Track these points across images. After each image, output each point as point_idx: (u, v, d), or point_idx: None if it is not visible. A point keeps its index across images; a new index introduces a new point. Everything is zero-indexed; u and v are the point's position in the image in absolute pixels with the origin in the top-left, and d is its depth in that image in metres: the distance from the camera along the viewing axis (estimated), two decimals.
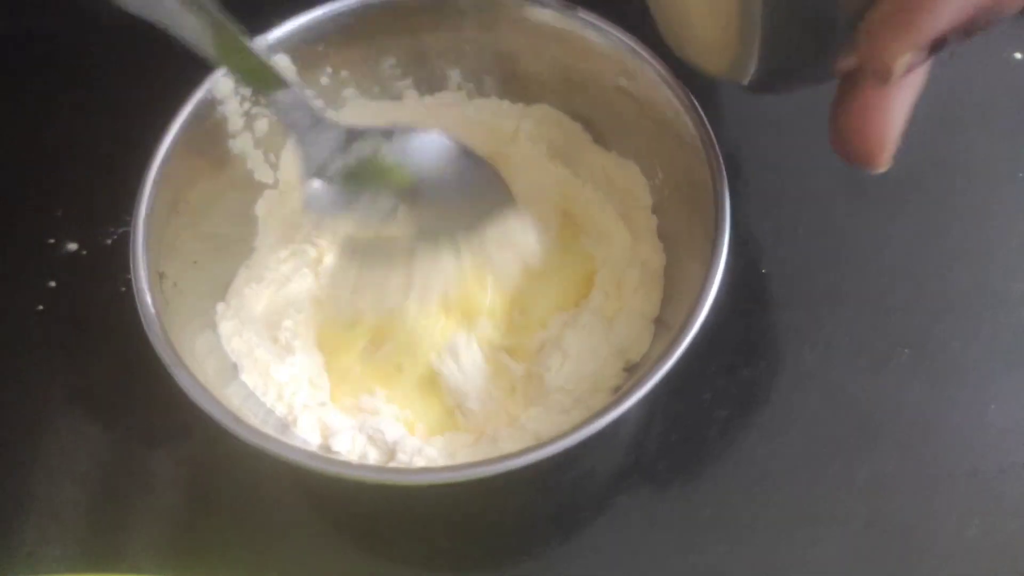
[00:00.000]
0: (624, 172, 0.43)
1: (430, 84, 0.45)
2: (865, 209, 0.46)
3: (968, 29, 0.25)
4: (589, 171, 0.44)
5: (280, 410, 0.38)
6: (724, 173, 0.35)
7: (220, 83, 0.39)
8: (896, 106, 0.28)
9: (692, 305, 0.33)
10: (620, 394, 0.32)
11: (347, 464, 0.34)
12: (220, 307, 0.40)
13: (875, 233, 0.45)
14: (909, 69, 0.26)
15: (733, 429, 0.41)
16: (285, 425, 0.37)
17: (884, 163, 0.29)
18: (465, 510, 0.39)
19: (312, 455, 0.33)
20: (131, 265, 0.34)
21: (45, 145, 0.48)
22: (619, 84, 0.41)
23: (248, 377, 0.38)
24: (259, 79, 0.36)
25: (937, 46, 0.26)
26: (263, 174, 0.43)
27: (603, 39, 0.40)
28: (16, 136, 0.48)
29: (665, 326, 0.38)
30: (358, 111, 0.44)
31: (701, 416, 0.41)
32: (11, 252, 0.45)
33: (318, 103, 0.39)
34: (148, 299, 0.34)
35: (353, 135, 0.38)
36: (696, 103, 0.37)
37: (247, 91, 0.40)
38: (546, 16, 0.40)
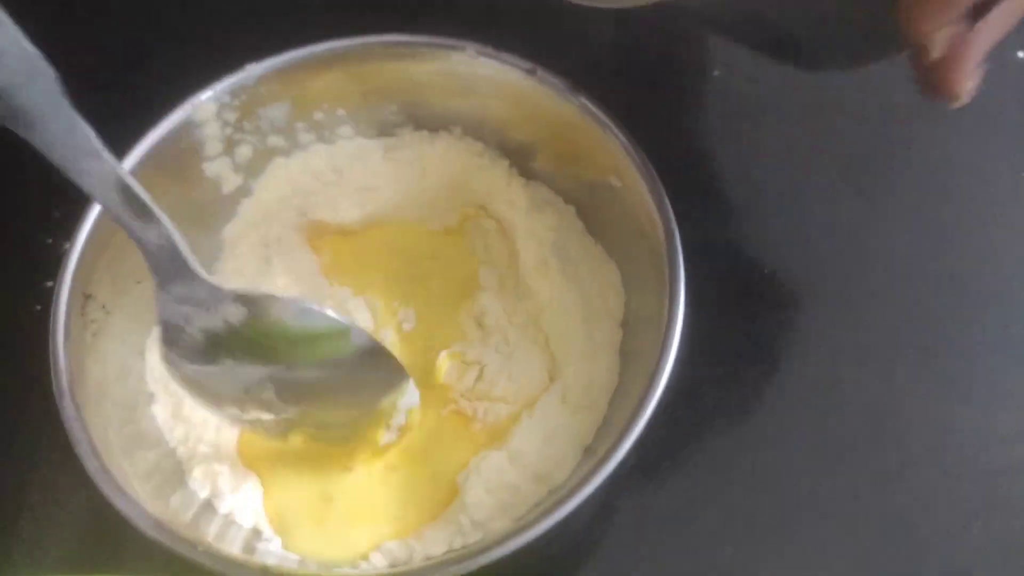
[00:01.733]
0: (605, 275, 0.41)
1: (431, 126, 0.44)
2: (869, 209, 0.46)
3: None
4: (574, 265, 0.42)
5: (181, 452, 0.37)
6: (679, 312, 0.34)
7: (201, 107, 0.39)
8: (974, 54, 0.30)
9: (620, 434, 0.33)
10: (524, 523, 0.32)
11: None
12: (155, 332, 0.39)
13: (879, 233, 0.45)
14: (950, 39, 0.28)
15: (736, 431, 0.41)
16: (180, 472, 0.37)
17: (964, 100, 0.32)
18: None
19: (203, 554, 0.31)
20: (55, 287, 0.35)
21: None
22: (611, 183, 0.39)
23: (159, 411, 0.38)
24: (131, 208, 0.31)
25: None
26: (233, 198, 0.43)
27: (602, 133, 0.38)
28: (14, 136, 0.49)
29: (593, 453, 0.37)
30: (353, 150, 0.44)
31: (704, 418, 0.41)
32: (9, 252, 0.46)
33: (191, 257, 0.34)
34: (61, 326, 0.34)
35: (220, 296, 0.33)
36: (675, 227, 0.36)
37: (230, 116, 0.40)
38: (543, 94, 0.39)
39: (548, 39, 0.42)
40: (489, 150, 0.43)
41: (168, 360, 0.35)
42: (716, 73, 0.50)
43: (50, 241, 0.45)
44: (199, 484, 0.37)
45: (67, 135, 0.29)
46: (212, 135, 0.40)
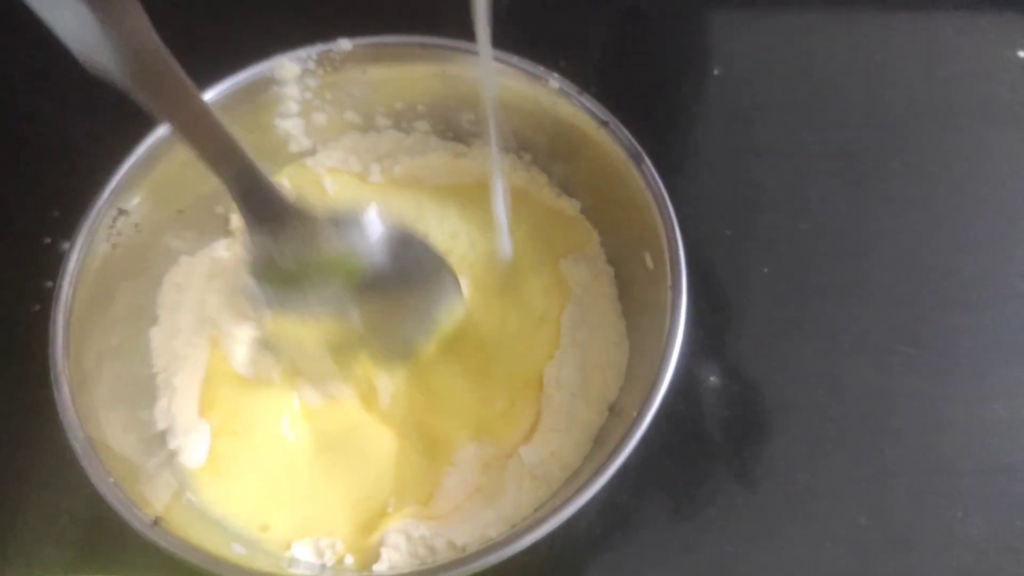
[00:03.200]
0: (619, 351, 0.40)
1: (503, 146, 0.44)
2: (867, 205, 0.47)
3: None
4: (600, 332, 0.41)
5: (160, 380, 0.39)
6: (682, 303, 0.34)
7: (285, 66, 0.40)
8: None
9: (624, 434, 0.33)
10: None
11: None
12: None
13: (877, 229, 0.46)
14: None
15: (735, 427, 0.41)
16: (151, 398, 0.38)
17: None
18: None
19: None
20: (55, 287, 0.35)
21: (43, 145, 0.49)
22: (643, 258, 0.39)
23: (156, 334, 0.39)
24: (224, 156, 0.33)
25: None
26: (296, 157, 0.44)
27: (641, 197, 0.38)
28: (14, 136, 0.50)
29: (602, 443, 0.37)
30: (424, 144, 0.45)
31: (703, 414, 0.41)
32: (8, 252, 0.46)
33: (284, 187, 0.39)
34: (61, 325, 0.35)
35: (309, 219, 0.35)
36: (677, 232, 0.36)
37: (311, 82, 0.41)
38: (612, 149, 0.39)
39: (548, 39, 0.42)
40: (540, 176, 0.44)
41: (252, 294, 0.36)
42: (716, 73, 0.50)
43: (50, 241, 0.45)
44: (161, 414, 0.38)
45: (168, 80, 0.30)
46: (291, 95, 0.41)
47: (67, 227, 0.37)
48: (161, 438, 0.38)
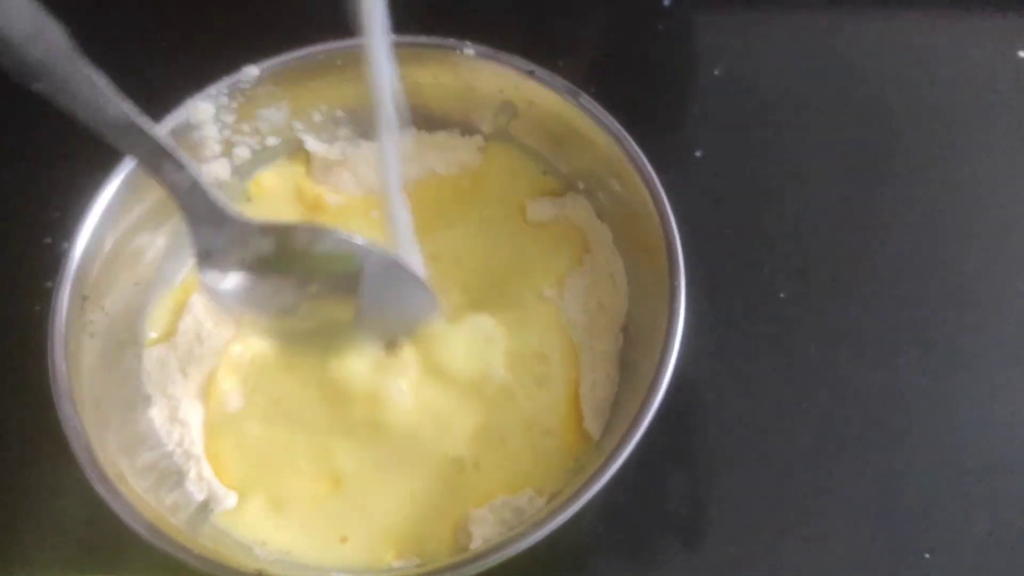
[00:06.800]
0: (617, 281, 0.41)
1: (430, 127, 0.44)
2: (868, 205, 0.47)
3: None
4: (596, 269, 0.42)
5: (178, 454, 0.37)
6: (679, 318, 0.34)
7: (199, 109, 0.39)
8: None
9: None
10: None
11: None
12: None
13: (879, 229, 0.46)
14: None
15: (739, 427, 0.41)
16: (179, 474, 0.37)
17: None
18: None
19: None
20: (55, 287, 0.35)
21: (42, 145, 0.48)
22: (615, 188, 0.39)
23: (156, 413, 0.38)
24: (154, 159, 0.33)
25: None
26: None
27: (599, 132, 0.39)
28: (13, 136, 0.50)
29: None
30: (352, 149, 0.44)
31: (706, 414, 0.41)
32: (8, 252, 0.46)
33: (220, 194, 0.36)
34: (60, 329, 0.35)
35: (251, 230, 0.35)
36: (675, 230, 0.36)
37: (228, 118, 0.40)
38: (544, 95, 0.40)
39: (548, 39, 0.42)
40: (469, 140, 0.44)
41: (204, 285, 0.36)
42: (716, 73, 0.50)
43: (49, 241, 0.45)
44: (196, 486, 0.37)
45: (86, 86, 0.30)
46: (211, 136, 0.41)
47: (67, 227, 0.37)
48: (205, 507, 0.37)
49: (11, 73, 0.27)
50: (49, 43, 0.28)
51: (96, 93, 0.30)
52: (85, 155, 0.42)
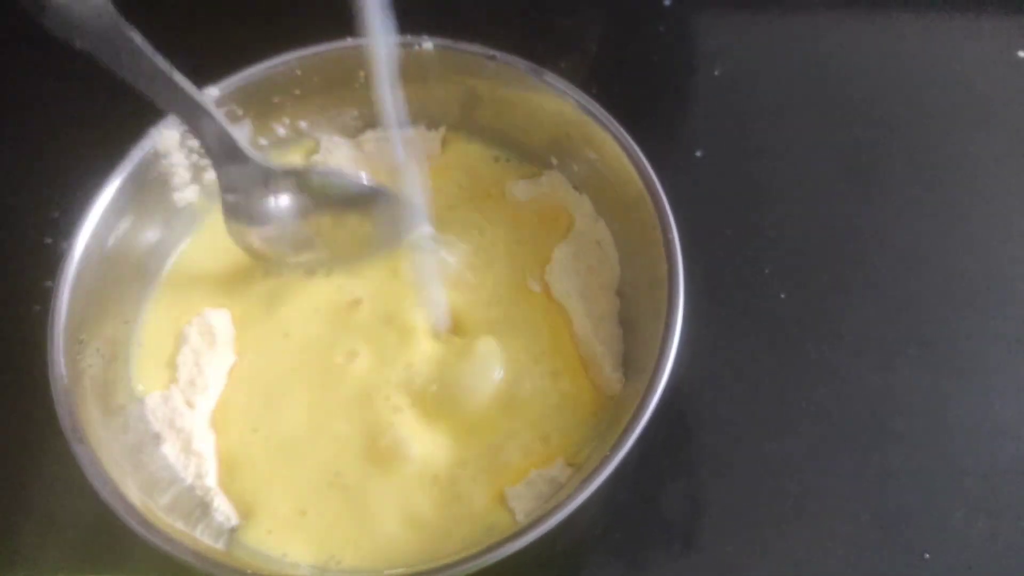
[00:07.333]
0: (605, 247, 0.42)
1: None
2: (868, 205, 0.47)
3: None
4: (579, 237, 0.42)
5: (198, 486, 0.37)
6: (680, 270, 0.35)
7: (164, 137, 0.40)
8: None
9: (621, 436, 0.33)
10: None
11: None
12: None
13: (882, 228, 0.46)
14: None
15: (738, 426, 0.41)
16: (204, 505, 0.37)
17: None
18: None
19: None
20: (54, 287, 0.35)
21: (42, 146, 0.49)
22: (589, 156, 0.40)
23: (169, 449, 0.38)
24: (185, 108, 0.36)
25: None
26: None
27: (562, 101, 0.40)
28: (14, 136, 0.50)
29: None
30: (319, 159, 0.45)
31: (705, 414, 0.41)
32: (9, 252, 0.46)
33: (244, 141, 0.39)
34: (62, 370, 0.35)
35: (270, 173, 0.40)
36: (660, 189, 0.37)
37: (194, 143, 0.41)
38: (502, 80, 0.41)
39: (550, 40, 0.42)
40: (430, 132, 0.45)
41: (230, 226, 0.40)
42: (716, 73, 0.50)
43: (50, 241, 0.45)
44: (224, 515, 0.37)
45: (124, 44, 0.32)
46: (179, 163, 0.41)
47: (68, 228, 0.37)
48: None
49: (56, 32, 0.30)
50: (91, 4, 0.31)
51: (134, 51, 0.33)
52: (85, 156, 0.42)
